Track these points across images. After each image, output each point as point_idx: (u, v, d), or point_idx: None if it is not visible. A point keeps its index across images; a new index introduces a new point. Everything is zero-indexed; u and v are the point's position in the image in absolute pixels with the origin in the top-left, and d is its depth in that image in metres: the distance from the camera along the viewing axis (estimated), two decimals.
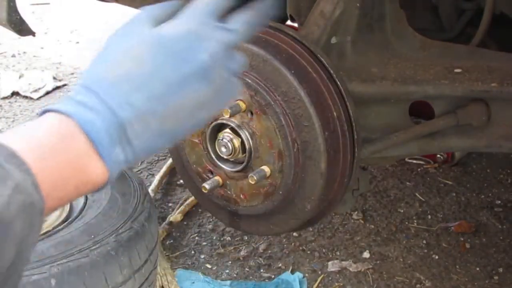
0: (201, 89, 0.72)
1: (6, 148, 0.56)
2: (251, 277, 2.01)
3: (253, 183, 1.21)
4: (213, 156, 1.31)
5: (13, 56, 4.18)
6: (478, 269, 2.01)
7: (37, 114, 0.66)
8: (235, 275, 2.03)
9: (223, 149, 1.26)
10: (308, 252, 2.11)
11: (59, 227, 1.56)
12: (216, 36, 0.74)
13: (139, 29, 0.74)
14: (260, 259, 2.09)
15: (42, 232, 1.62)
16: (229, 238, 2.19)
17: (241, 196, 1.30)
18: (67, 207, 1.76)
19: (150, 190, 2.29)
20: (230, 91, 0.76)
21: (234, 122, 1.23)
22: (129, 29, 0.74)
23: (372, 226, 2.23)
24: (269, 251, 2.12)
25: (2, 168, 0.54)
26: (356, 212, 2.30)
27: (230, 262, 2.08)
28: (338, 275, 2.00)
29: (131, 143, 0.67)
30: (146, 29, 0.73)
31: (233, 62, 0.76)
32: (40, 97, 3.51)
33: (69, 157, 0.62)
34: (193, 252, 2.14)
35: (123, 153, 0.67)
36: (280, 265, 2.06)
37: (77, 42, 4.48)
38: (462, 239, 2.15)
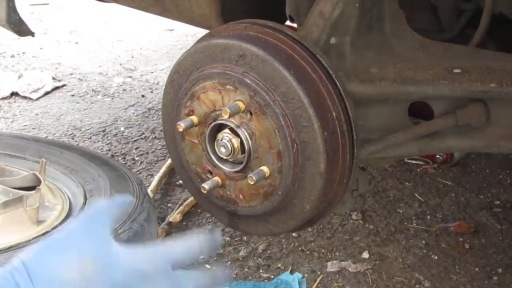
0: None
1: None
2: (250, 278, 2.01)
3: (252, 183, 1.21)
4: (213, 157, 1.31)
5: (12, 56, 4.17)
6: (477, 269, 2.01)
7: None
8: (234, 275, 2.02)
9: (222, 150, 1.25)
10: (307, 252, 2.11)
11: (59, 227, 1.56)
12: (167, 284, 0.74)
13: (101, 240, 0.72)
14: (259, 259, 2.08)
15: (41, 232, 1.62)
16: (228, 238, 2.19)
17: (240, 196, 1.30)
18: (66, 207, 1.75)
19: (149, 190, 2.29)
20: None
21: (233, 122, 1.23)
22: (90, 232, 0.72)
23: (371, 227, 2.23)
24: (268, 252, 2.12)
25: None
26: (355, 213, 2.30)
27: (229, 262, 2.08)
28: (337, 276, 2.00)
29: None
30: (106, 243, 0.72)
31: None
32: (39, 97, 3.51)
33: None
34: None
35: None
36: (279, 265, 2.06)
37: (76, 43, 4.48)
38: (461, 239, 2.15)
